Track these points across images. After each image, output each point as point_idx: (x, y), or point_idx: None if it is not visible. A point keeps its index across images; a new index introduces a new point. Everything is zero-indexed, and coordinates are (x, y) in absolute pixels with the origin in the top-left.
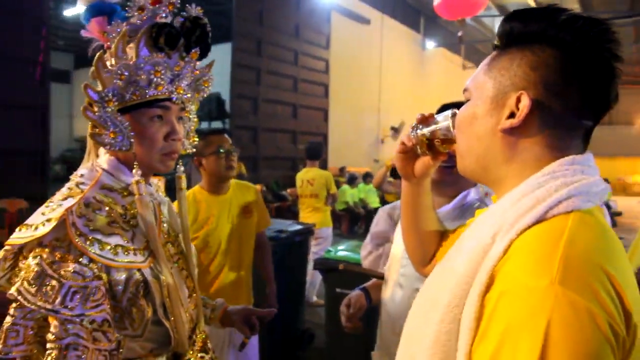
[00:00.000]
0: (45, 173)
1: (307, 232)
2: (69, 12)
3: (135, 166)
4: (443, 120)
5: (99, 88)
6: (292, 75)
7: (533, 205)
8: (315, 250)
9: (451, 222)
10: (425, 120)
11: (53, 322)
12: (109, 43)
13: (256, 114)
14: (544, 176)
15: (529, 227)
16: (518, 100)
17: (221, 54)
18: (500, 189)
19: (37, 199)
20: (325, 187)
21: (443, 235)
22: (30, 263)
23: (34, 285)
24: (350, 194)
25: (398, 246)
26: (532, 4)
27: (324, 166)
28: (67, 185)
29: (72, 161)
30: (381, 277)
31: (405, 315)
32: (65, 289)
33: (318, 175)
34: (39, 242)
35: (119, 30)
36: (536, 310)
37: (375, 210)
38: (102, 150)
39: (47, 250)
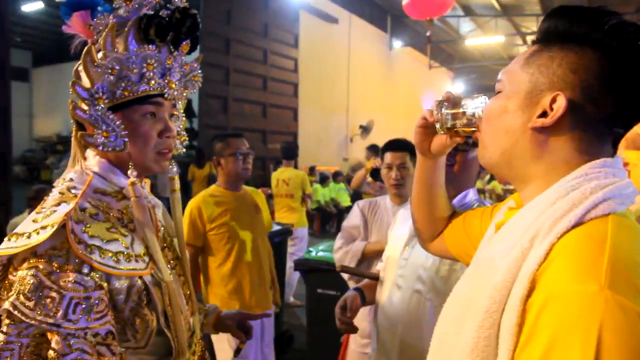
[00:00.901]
0: (7, 175)
1: (286, 232)
2: (27, 8)
3: (130, 167)
4: (472, 105)
5: (87, 85)
6: (262, 74)
7: (570, 209)
8: (292, 250)
9: None
10: (452, 101)
11: (54, 338)
12: (95, 37)
13: (225, 113)
14: (576, 179)
15: (569, 230)
16: (553, 100)
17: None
18: (525, 187)
19: (1, 202)
20: (300, 187)
21: (452, 214)
22: (25, 275)
23: (31, 299)
24: (321, 193)
25: (394, 247)
26: (496, 5)
27: (294, 165)
28: (57, 189)
29: (33, 162)
30: (375, 277)
31: (405, 316)
32: (66, 300)
33: (294, 175)
34: (33, 252)
35: (105, 23)
36: (587, 315)
37: (347, 209)
38: (90, 153)
39: (43, 260)
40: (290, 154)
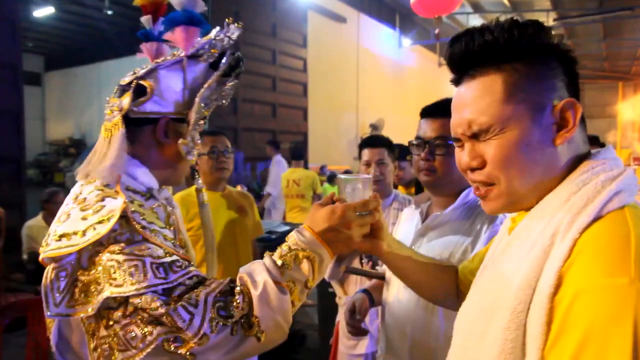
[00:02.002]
0: (21, 179)
1: None
2: (38, 13)
3: (197, 175)
4: (353, 194)
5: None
6: (271, 75)
7: (585, 203)
8: None
9: (458, 222)
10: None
11: (153, 300)
12: (190, 51)
13: (235, 114)
14: (583, 174)
15: (589, 225)
16: (561, 110)
17: None
18: (535, 195)
19: (15, 206)
20: (311, 187)
21: (448, 269)
22: (104, 264)
23: (119, 277)
24: (330, 192)
25: None
26: (505, 1)
27: (304, 165)
28: (89, 189)
29: (46, 165)
30: (382, 277)
31: (414, 316)
32: (148, 264)
33: (304, 175)
34: (100, 243)
35: (205, 45)
36: (620, 308)
37: None
38: (116, 154)
39: (112, 244)
40: (298, 154)
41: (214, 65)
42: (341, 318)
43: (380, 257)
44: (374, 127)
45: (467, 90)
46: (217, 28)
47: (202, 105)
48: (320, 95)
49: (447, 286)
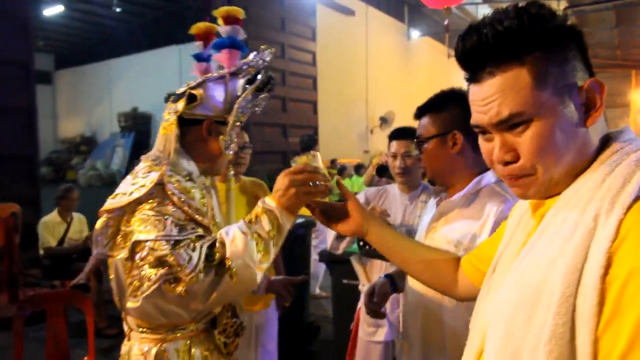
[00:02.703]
0: (35, 176)
1: (309, 225)
2: (48, 12)
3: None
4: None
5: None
6: (280, 69)
7: (623, 184)
8: (315, 243)
9: (466, 209)
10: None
11: (164, 247)
12: (232, 69)
13: None
14: (613, 154)
15: (632, 204)
16: (587, 90)
17: None
18: (564, 184)
19: (30, 203)
20: None
21: (446, 257)
22: (137, 218)
23: (146, 226)
24: None
25: (419, 235)
26: None
27: None
28: (142, 165)
29: (58, 163)
30: None
31: (425, 303)
32: (169, 221)
33: None
34: (139, 202)
35: (244, 65)
36: None
37: None
38: (171, 145)
39: (145, 203)
40: (310, 146)
41: (250, 81)
42: (362, 304)
43: (366, 240)
44: (383, 119)
45: (491, 86)
46: (255, 52)
47: (239, 111)
48: (329, 88)
49: (444, 274)
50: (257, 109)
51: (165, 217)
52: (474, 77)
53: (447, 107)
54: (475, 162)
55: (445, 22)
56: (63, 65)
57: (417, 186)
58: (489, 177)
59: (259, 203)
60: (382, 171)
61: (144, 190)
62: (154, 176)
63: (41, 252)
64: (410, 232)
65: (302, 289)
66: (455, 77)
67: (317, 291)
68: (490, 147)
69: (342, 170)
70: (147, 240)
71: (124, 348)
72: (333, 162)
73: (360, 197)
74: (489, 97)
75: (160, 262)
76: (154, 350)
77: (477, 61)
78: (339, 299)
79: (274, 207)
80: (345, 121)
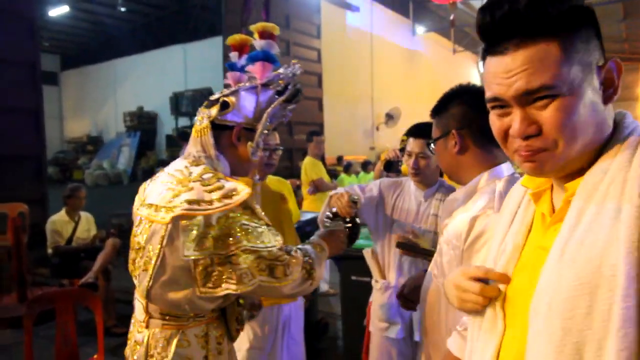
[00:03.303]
0: (42, 176)
1: (317, 221)
2: (54, 12)
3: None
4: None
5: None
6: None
7: None
8: None
9: (464, 204)
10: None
11: (249, 258)
12: (264, 81)
13: None
14: (629, 130)
15: None
16: (606, 70)
17: (212, 48)
18: (581, 163)
19: (37, 202)
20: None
21: None
22: (238, 223)
23: (251, 235)
24: (348, 183)
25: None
26: None
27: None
28: (198, 170)
29: (65, 163)
30: (430, 254)
31: (424, 289)
32: (256, 231)
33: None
34: (231, 210)
35: (275, 78)
36: None
37: None
38: (212, 149)
39: (236, 211)
40: (389, 164)
41: (279, 93)
42: (374, 300)
43: None
44: (389, 116)
45: (519, 58)
46: (285, 65)
47: (268, 120)
48: (335, 85)
49: None
50: (284, 119)
51: (262, 225)
52: (496, 49)
53: (447, 108)
54: (483, 158)
55: (451, 18)
56: (69, 66)
57: (433, 183)
58: (497, 172)
59: (319, 242)
60: (390, 166)
61: (232, 202)
62: (239, 189)
63: (50, 251)
64: (418, 235)
65: None
66: (461, 73)
67: (325, 288)
68: (504, 123)
69: (348, 167)
70: (257, 249)
71: (139, 336)
72: (339, 159)
73: (375, 187)
74: (516, 69)
75: (266, 268)
76: (176, 336)
77: (506, 32)
78: (348, 296)
79: (325, 246)
80: (351, 118)
